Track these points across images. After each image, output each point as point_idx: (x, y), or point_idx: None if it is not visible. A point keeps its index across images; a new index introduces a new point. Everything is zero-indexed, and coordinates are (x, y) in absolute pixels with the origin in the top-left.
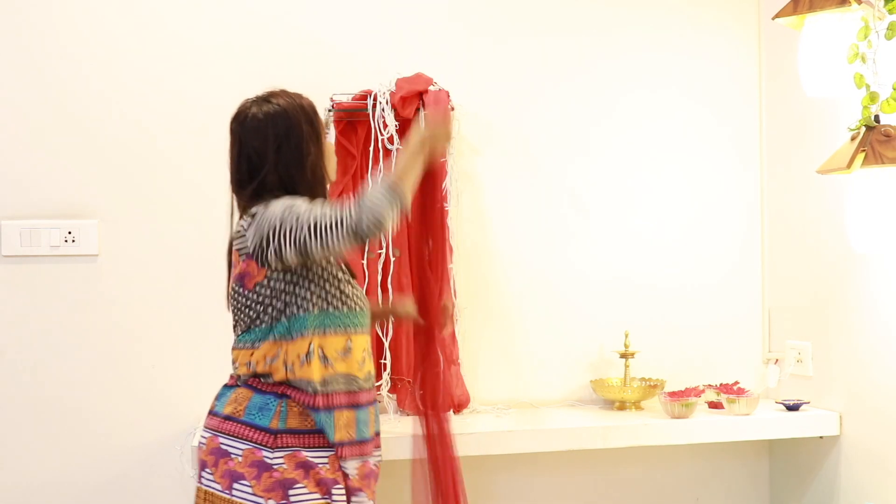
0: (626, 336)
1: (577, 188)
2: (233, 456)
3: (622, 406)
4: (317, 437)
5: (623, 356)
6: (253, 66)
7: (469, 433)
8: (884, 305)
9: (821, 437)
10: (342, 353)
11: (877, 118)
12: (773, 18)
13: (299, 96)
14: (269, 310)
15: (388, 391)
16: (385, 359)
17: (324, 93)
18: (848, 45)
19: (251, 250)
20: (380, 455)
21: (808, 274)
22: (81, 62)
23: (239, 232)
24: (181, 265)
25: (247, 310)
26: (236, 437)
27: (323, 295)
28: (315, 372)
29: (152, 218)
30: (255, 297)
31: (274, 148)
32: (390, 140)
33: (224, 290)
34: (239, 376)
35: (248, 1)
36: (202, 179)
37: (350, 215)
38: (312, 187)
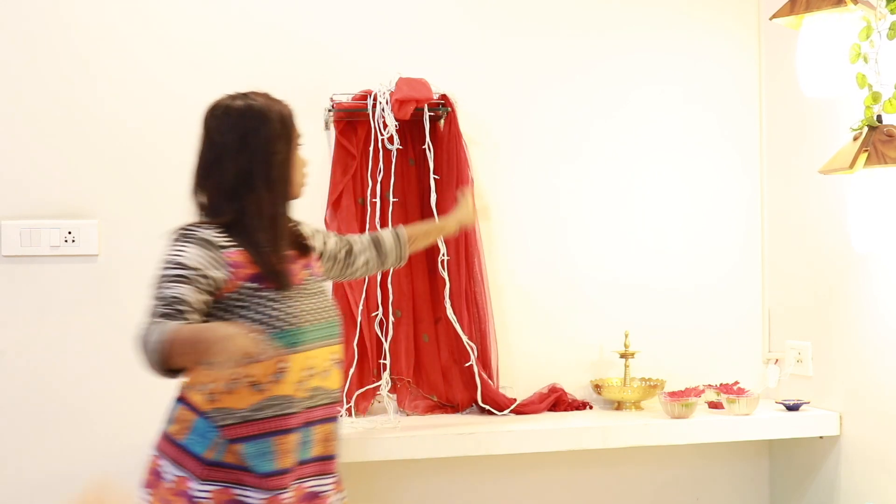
0: (626, 336)
1: (577, 188)
2: (166, 482)
3: (622, 406)
4: (253, 476)
5: (623, 356)
6: (253, 66)
7: (469, 433)
8: (884, 305)
9: (821, 437)
10: (275, 376)
11: (879, 118)
12: (770, 19)
13: (280, 101)
14: None
15: (389, 391)
16: (385, 359)
17: (324, 93)
18: (846, 45)
19: None
20: (330, 486)
21: (809, 274)
22: (82, 63)
23: None
24: None
25: None
26: (174, 461)
27: (242, 322)
28: (241, 400)
29: (152, 218)
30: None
31: (239, 139)
32: (390, 140)
33: None
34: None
35: (248, 2)
36: None
37: (142, 338)
38: (273, 185)
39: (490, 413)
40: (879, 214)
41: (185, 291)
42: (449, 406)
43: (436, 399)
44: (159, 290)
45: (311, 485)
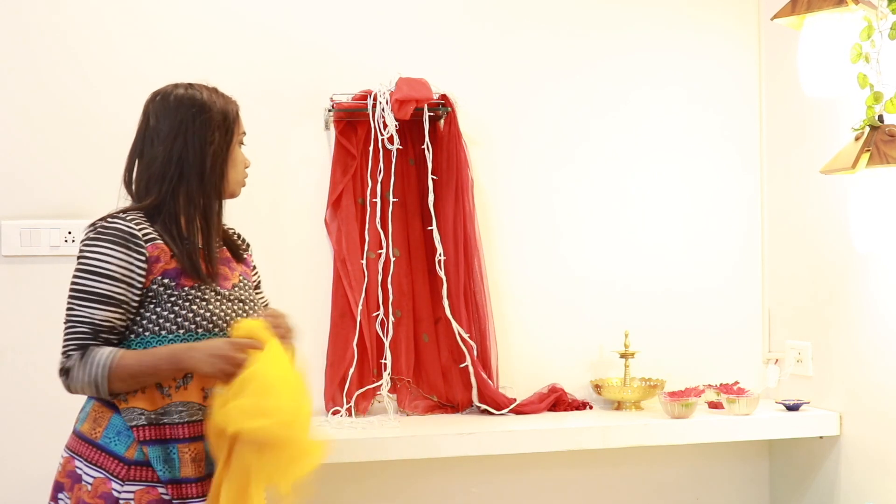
0: (626, 336)
1: (577, 188)
2: (83, 482)
3: (622, 406)
4: (138, 469)
5: (623, 356)
6: (253, 66)
7: (469, 433)
8: (884, 305)
9: (821, 437)
10: (180, 381)
11: (880, 118)
12: (771, 19)
13: (225, 96)
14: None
15: (389, 391)
16: (385, 359)
17: (324, 93)
18: (847, 45)
19: None
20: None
21: (809, 274)
22: (82, 63)
23: None
24: None
25: None
26: (90, 461)
27: (154, 319)
28: (149, 402)
29: None
30: None
31: (177, 125)
32: (390, 140)
33: None
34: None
35: (248, 2)
36: None
37: (62, 365)
38: (205, 176)
39: (489, 413)
40: (881, 214)
41: (112, 317)
42: (449, 406)
43: (436, 399)
44: (81, 307)
45: None
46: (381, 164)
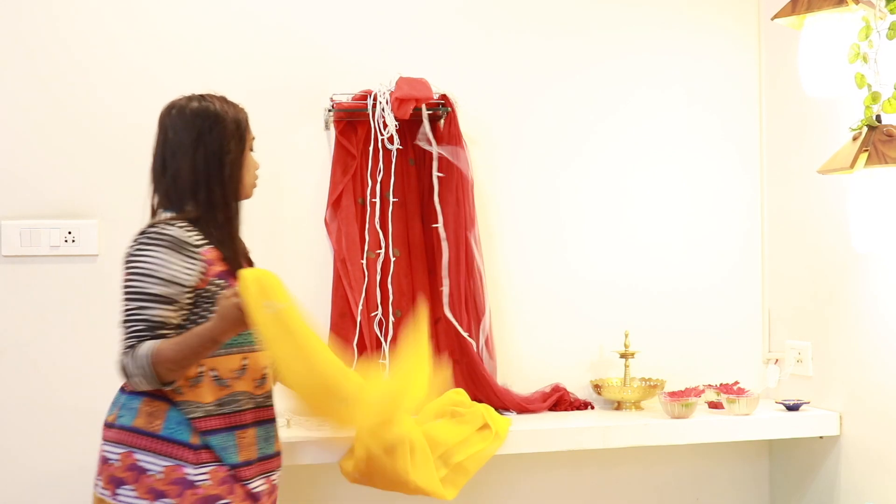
0: (626, 336)
1: (577, 188)
2: (150, 472)
3: (622, 406)
4: (206, 453)
5: (623, 356)
6: (253, 66)
7: None
8: (884, 305)
9: (821, 437)
10: (238, 372)
11: (878, 118)
12: (772, 19)
13: (235, 105)
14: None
15: None
16: (385, 359)
17: (324, 93)
18: (848, 45)
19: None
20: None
21: (808, 274)
22: (82, 62)
23: (129, 247)
24: None
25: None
26: (155, 452)
27: (208, 316)
28: (207, 394)
29: None
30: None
31: (194, 139)
32: (390, 140)
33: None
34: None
35: (248, 2)
36: None
37: (120, 364)
38: (225, 183)
39: None
40: (879, 214)
41: (166, 314)
42: None
43: None
44: (136, 306)
45: (275, 478)
46: (381, 164)
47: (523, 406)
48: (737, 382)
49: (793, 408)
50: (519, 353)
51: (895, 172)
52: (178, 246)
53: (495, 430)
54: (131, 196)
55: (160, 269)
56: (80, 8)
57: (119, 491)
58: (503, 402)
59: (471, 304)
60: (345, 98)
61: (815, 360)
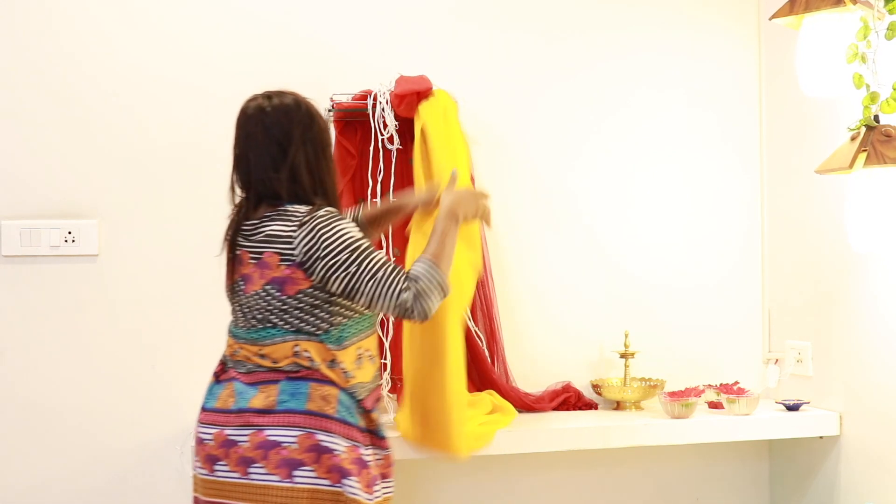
0: (626, 336)
1: (577, 188)
2: (335, 452)
3: (622, 406)
4: (370, 435)
5: (623, 356)
6: (252, 65)
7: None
8: (884, 305)
9: (821, 437)
10: (375, 350)
11: (876, 118)
12: (770, 19)
13: (304, 98)
14: (313, 318)
15: (389, 391)
16: (385, 359)
17: (324, 93)
18: (846, 45)
19: (300, 260)
20: None
21: (808, 274)
22: (82, 62)
23: (277, 235)
24: (181, 265)
25: (284, 314)
26: (335, 433)
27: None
28: (367, 373)
29: (152, 218)
30: (296, 303)
31: (301, 133)
32: (390, 140)
33: (223, 285)
34: (279, 369)
35: (248, 2)
36: (202, 179)
37: (406, 301)
38: (334, 175)
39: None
40: (878, 214)
41: (384, 255)
42: None
43: None
44: (375, 255)
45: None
46: (382, 164)
47: (529, 405)
48: (737, 382)
49: (793, 408)
50: (519, 354)
51: (894, 172)
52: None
53: (504, 408)
54: (131, 196)
55: (360, 234)
56: (80, 8)
57: (296, 473)
58: (510, 400)
59: (482, 303)
60: (345, 98)
61: (815, 360)
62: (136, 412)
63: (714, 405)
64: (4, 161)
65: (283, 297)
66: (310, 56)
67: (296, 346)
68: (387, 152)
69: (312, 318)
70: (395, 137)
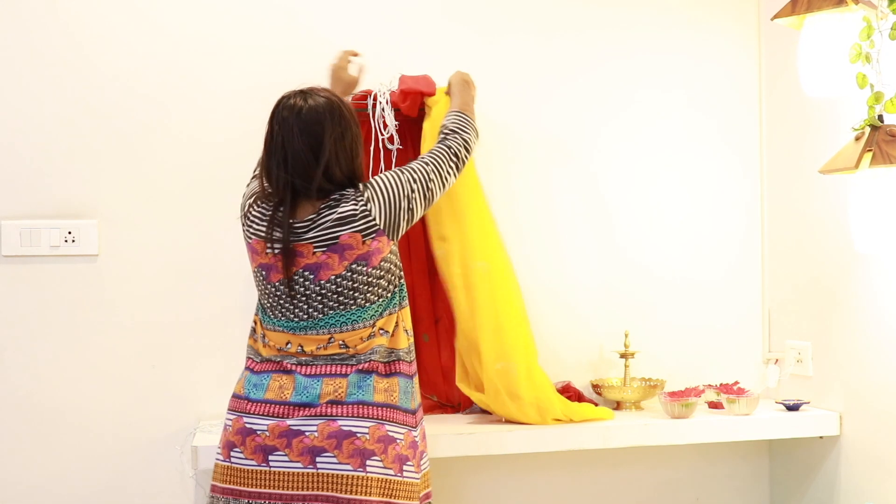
0: (626, 336)
1: (577, 188)
2: (397, 441)
3: (622, 406)
4: (417, 415)
5: (623, 356)
6: (252, 66)
7: (469, 433)
8: (884, 305)
9: (821, 437)
10: (410, 324)
11: (881, 118)
12: (771, 19)
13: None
14: (386, 283)
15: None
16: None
17: None
18: (848, 45)
19: (383, 225)
20: None
21: (809, 274)
22: (82, 62)
23: (351, 215)
24: (181, 265)
25: (367, 287)
26: (397, 422)
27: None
28: (405, 342)
29: (152, 218)
30: (379, 272)
31: (350, 128)
32: (390, 140)
33: (234, 287)
34: (353, 356)
35: (247, 2)
36: (202, 179)
37: (459, 154)
38: (363, 169)
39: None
40: (882, 214)
41: (427, 158)
42: (449, 406)
43: (436, 399)
44: (423, 167)
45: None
46: (382, 164)
47: None
48: (737, 382)
49: (793, 408)
50: None
51: None
52: None
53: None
54: (131, 196)
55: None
56: (81, 7)
57: (368, 463)
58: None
59: None
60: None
61: (815, 360)
62: (136, 412)
63: (714, 405)
64: (4, 161)
65: (370, 270)
66: (310, 56)
67: (373, 326)
68: (387, 152)
69: (386, 283)
70: (396, 137)
